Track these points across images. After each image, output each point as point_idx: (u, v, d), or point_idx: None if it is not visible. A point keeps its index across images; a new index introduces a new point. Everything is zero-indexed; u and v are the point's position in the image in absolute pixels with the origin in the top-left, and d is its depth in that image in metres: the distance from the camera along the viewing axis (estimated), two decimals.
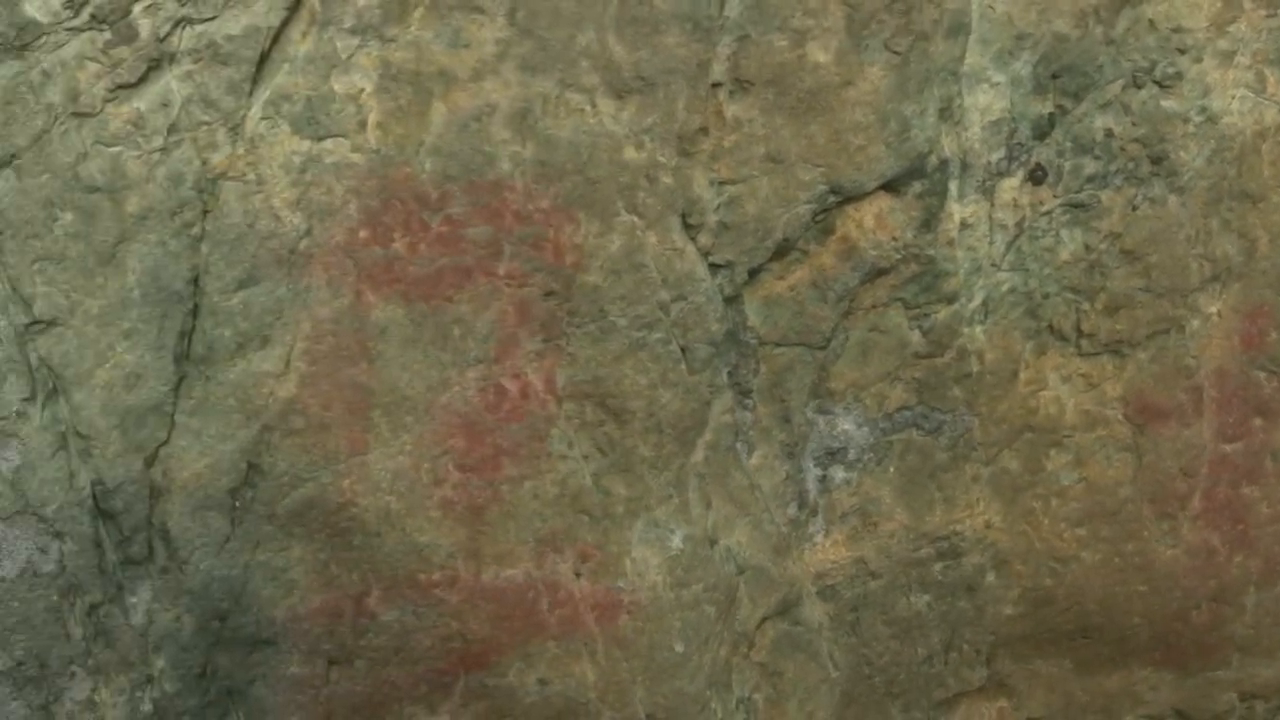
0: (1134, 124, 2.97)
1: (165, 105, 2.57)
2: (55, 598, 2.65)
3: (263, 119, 2.60)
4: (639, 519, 2.84)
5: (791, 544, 3.04)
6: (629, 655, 2.85)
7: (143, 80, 2.56)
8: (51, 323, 2.58)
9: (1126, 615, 3.22)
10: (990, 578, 3.15)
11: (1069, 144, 2.96)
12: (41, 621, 2.64)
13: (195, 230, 2.60)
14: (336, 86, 2.61)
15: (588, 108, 2.70)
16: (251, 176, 2.60)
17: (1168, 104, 2.98)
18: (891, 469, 3.08)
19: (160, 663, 2.72)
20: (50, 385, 2.61)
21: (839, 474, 3.07)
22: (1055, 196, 2.98)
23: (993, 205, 2.96)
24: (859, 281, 2.92)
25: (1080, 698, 3.30)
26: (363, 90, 2.62)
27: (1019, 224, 2.98)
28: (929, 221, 2.92)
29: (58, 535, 2.64)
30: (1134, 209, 2.99)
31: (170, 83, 2.57)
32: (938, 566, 3.12)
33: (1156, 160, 2.99)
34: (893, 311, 2.97)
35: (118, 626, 2.71)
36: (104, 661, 2.70)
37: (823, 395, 3.01)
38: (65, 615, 2.66)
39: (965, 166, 2.93)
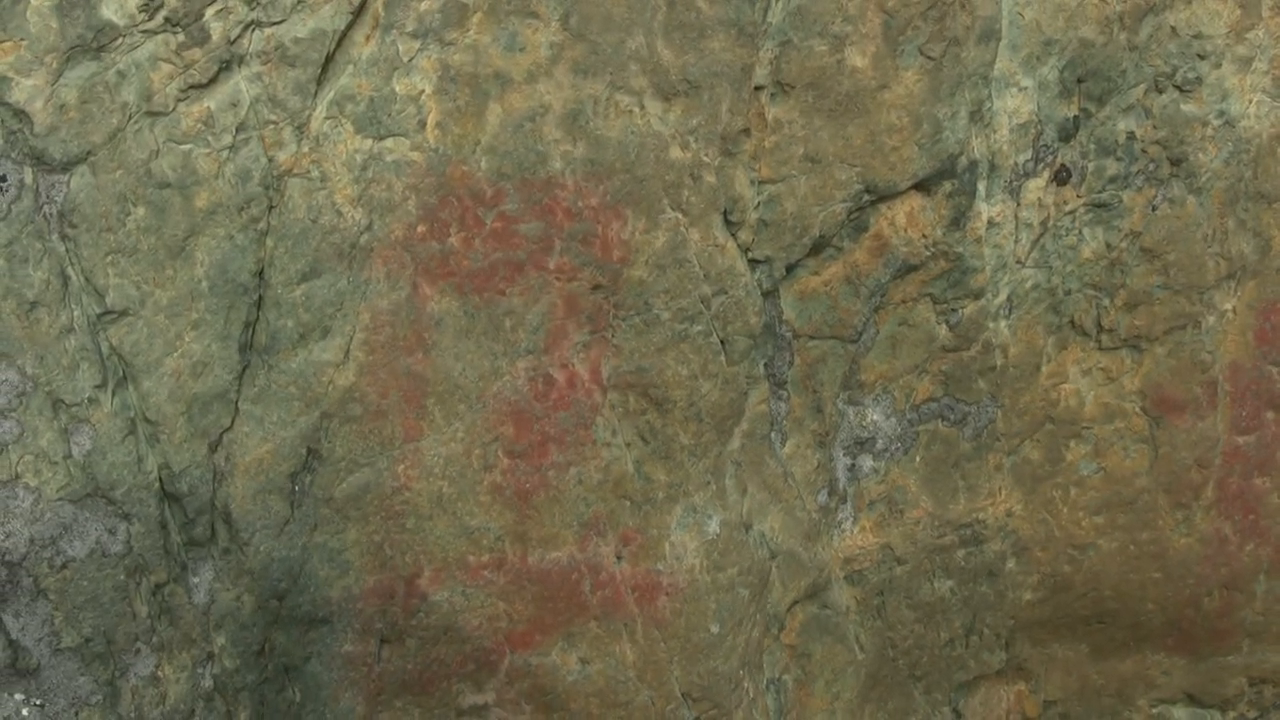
0: (1155, 127, 3.33)
1: (234, 105, 2.89)
2: (122, 577, 2.97)
3: (327, 118, 2.93)
4: (678, 504, 3.18)
5: (821, 530, 3.40)
6: (667, 636, 3.19)
7: (213, 81, 2.88)
8: (123, 313, 2.90)
9: (1141, 601, 3.58)
10: (1011, 564, 3.51)
11: (1092, 146, 3.32)
12: (109, 600, 2.96)
13: (261, 225, 2.92)
14: (398, 88, 2.94)
15: (636, 109, 3.03)
16: (316, 173, 2.93)
17: (1187, 108, 3.34)
18: (918, 458, 3.43)
19: (221, 640, 3.05)
20: (120, 373, 2.93)
21: (867, 463, 3.42)
22: (1079, 196, 3.33)
23: (1019, 205, 3.31)
24: (890, 278, 3.27)
25: (1095, 681, 3.66)
26: (423, 91, 2.95)
27: (1043, 223, 3.33)
28: (958, 220, 3.27)
29: (125, 517, 2.96)
30: (1154, 209, 3.35)
31: (240, 83, 2.89)
32: (960, 553, 3.48)
33: (1176, 162, 3.35)
34: (922, 306, 3.32)
35: (181, 605, 3.04)
36: (168, 639, 3.03)
37: (853, 387, 3.35)
38: (131, 594, 2.99)
39: (993, 167, 3.28)
